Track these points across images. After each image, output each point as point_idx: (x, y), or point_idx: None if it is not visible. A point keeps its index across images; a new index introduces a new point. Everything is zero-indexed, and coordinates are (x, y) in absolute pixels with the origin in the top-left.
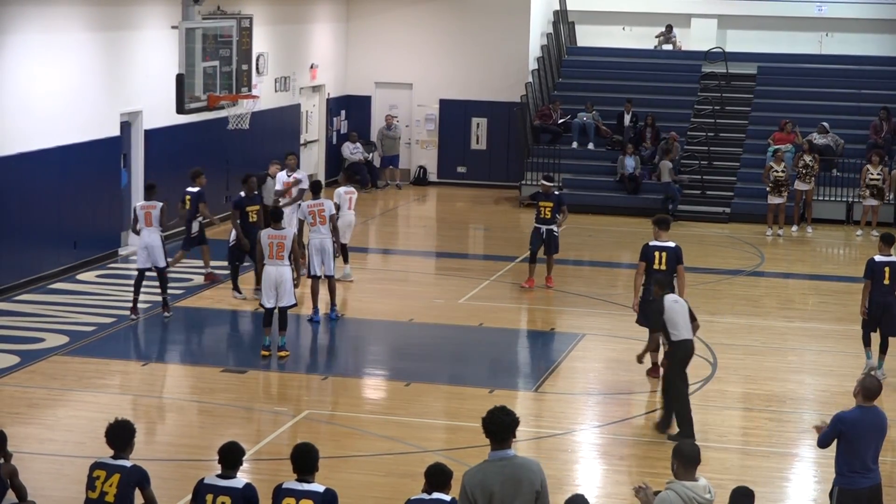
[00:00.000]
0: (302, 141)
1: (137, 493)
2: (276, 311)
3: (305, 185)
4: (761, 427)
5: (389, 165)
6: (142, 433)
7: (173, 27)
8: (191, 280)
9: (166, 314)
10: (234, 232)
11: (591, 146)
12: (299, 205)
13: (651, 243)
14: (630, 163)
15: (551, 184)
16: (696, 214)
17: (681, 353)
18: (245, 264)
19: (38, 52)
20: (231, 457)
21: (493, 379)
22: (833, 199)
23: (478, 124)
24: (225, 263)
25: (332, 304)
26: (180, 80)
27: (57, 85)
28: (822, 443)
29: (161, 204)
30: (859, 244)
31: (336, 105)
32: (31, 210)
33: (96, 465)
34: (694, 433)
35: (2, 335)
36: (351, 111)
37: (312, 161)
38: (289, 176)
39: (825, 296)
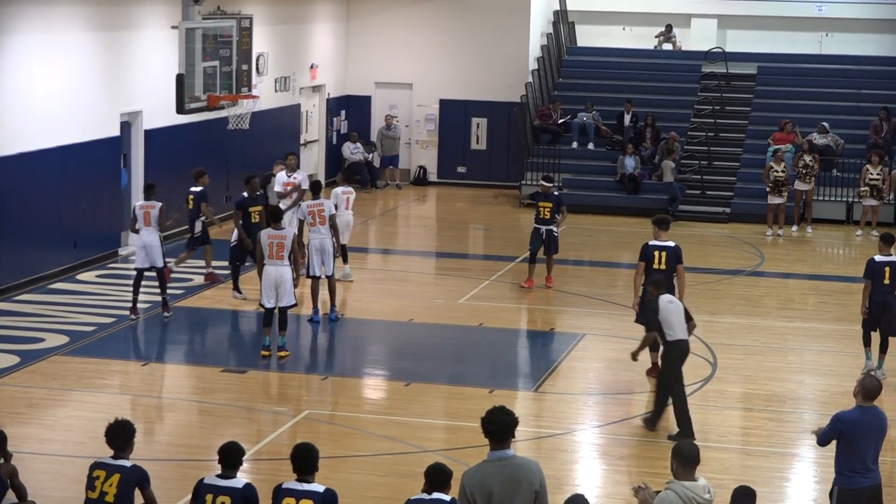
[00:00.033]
0: (302, 141)
1: (137, 493)
2: (276, 311)
3: (305, 185)
4: (761, 427)
5: (389, 165)
6: (142, 433)
7: (173, 27)
8: (191, 280)
9: (166, 314)
10: (235, 232)
11: (591, 146)
12: (299, 205)
13: (651, 243)
14: (630, 163)
15: (550, 184)
16: (696, 214)
17: (675, 354)
18: (247, 264)
19: (38, 52)
20: (231, 457)
21: (493, 379)
22: (833, 199)
23: (478, 124)
24: (226, 263)
25: (332, 304)
26: (180, 80)
27: (57, 85)
28: (822, 441)
29: (160, 204)
30: (859, 244)
31: (336, 105)
32: (31, 210)
33: (96, 465)
34: (693, 433)
35: (2, 335)
36: (351, 111)
37: (312, 161)
38: (289, 176)
39: (825, 296)
